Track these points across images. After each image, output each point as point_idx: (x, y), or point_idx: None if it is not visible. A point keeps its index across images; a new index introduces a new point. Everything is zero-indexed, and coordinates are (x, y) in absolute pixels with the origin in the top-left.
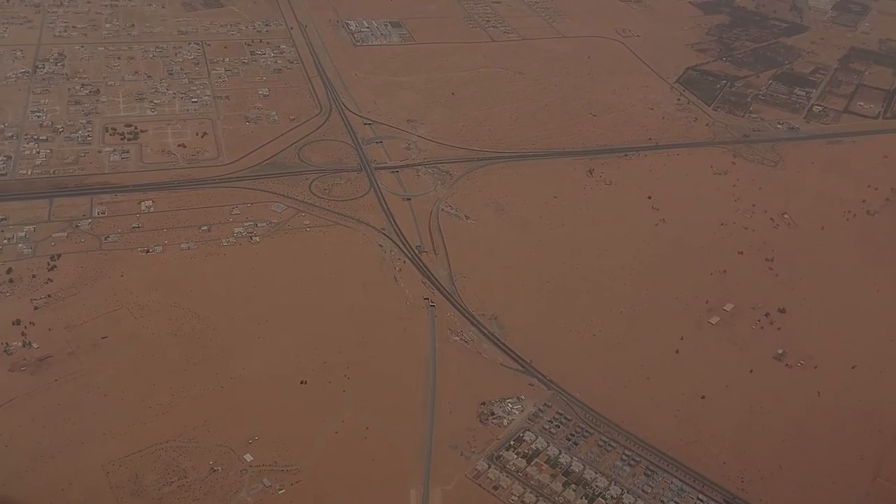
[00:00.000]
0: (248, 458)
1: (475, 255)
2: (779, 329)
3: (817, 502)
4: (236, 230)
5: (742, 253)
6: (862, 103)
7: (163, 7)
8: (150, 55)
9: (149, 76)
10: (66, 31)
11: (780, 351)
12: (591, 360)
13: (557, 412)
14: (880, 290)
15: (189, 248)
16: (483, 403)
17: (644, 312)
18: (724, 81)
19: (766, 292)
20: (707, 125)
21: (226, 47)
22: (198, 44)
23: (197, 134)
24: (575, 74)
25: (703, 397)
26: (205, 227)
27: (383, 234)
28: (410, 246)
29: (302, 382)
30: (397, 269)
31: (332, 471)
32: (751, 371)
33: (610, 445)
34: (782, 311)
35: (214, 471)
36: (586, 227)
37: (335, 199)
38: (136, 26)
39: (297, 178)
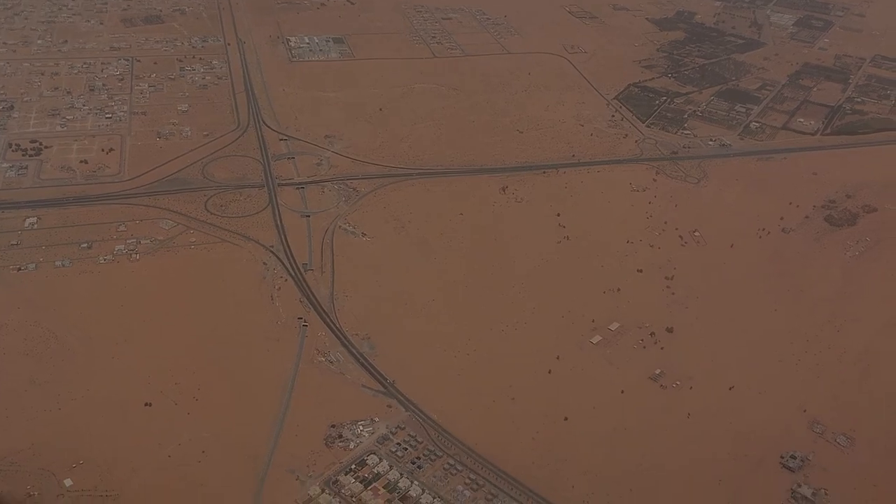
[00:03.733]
0: (68, 482)
1: (363, 274)
2: (662, 349)
3: None
4: (117, 248)
5: (641, 271)
6: (802, 120)
7: (101, 23)
8: (76, 71)
9: (68, 92)
10: None
11: (658, 371)
12: (459, 380)
13: (409, 434)
14: (778, 310)
15: (63, 265)
16: (333, 426)
17: (525, 331)
18: (665, 98)
19: (657, 311)
20: (636, 142)
21: (156, 63)
22: (128, 59)
23: (102, 150)
24: (511, 91)
25: (566, 419)
26: (85, 245)
27: (271, 251)
28: (296, 264)
29: (146, 405)
30: (277, 287)
31: (154, 497)
32: (622, 392)
33: (456, 469)
34: (670, 330)
35: (31, 496)
36: (486, 244)
37: (229, 216)
38: (68, 42)
39: (195, 195)
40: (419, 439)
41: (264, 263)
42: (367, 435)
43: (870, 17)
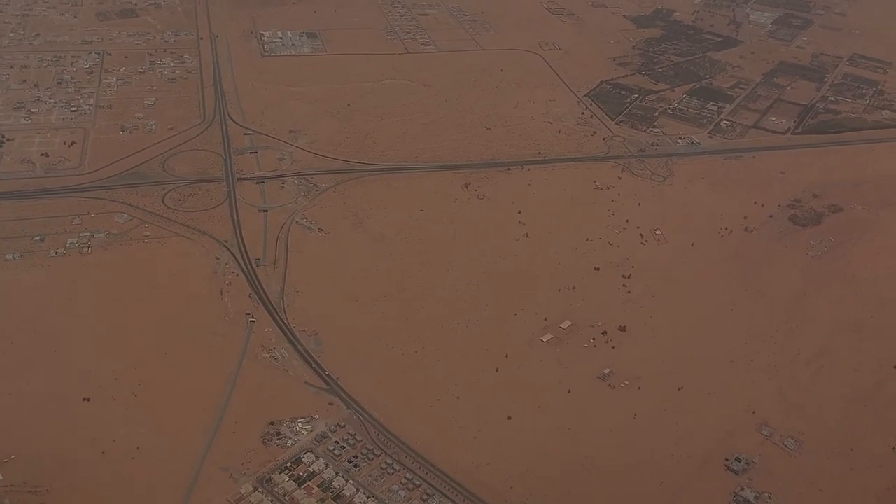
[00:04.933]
0: None
1: (316, 269)
2: (613, 348)
3: None
4: (69, 241)
5: (598, 269)
6: (773, 118)
7: (75, 17)
8: (45, 64)
9: (36, 85)
10: None
11: (607, 371)
12: (405, 378)
13: (349, 433)
14: (734, 310)
15: (14, 258)
16: (272, 423)
17: (476, 329)
18: (636, 95)
19: (611, 310)
20: (604, 139)
21: (126, 57)
22: (98, 53)
23: (65, 143)
24: (481, 87)
25: (509, 418)
26: (38, 238)
27: (225, 246)
28: (249, 259)
29: (84, 399)
30: (227, 283)
31: (84, 493)
32: (569, 391)
33: (393, 468)
34: (622, 329)
35: None
36: (444, 241)
37: (186, 211)
38: (41, 35)
39: (153, 189)
40: (358, 438)
41: (217, 258)
42: (305, 433)
43: (850, 16)
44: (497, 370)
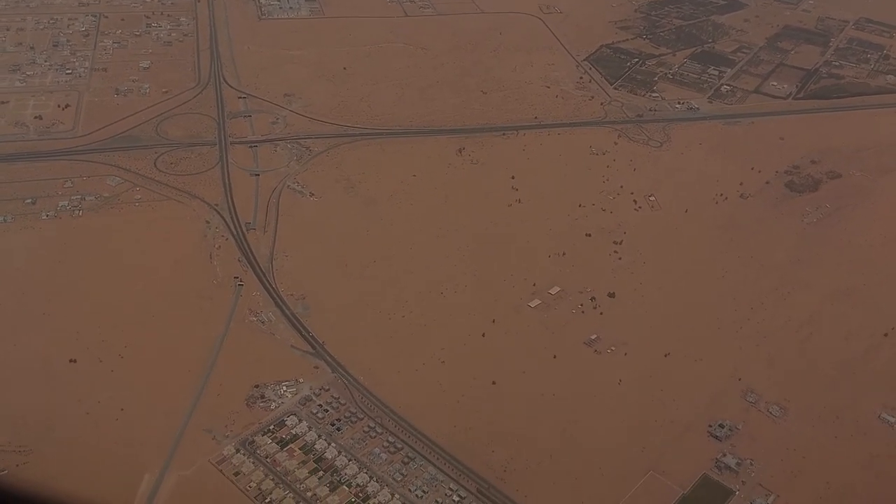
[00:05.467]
0: None
1: (305, 234)
2: (601, 314)
3: (581, 494)
4: (61, 204)
5: (590, 235)
6: (775, 83)
7: None
8: (42, 27)
9: (31, 48)
10: None
11: (594, 336)
12: (391, 342)
13: (332, 396)
14: (726, 277)
15: (4, 221)
16: (256, 386)
17: (465, 294)
18: (637, 60)
19: (601, 276)
20: (602, 104)
21: (123, 19)
22: (95, 16)
23: (59, 106)
24: (480, 51)
25: (493, 383)
26: (29, 201)
27: (215, 210)
28: (239, 223)
29: (71, 361)
30: (217, 246)
31: (67, 453)
32: (554, 357)
33: (375, 432)
34: (611, 295)
35: None
36: (436, 206)
37: (178, 174)
38: None
39: (145, 152)
40: (342, 401)
41: (207, 222)
42: (289, 396)
43: None
44: (483, 335)
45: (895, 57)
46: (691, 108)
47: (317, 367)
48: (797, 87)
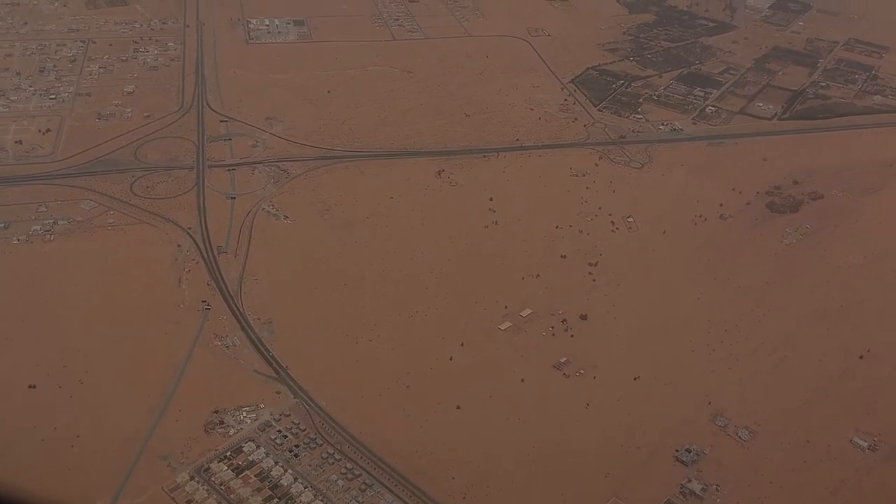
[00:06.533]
0: None
1: (277, 257)
2: (572, 336)
3: None
4: (33, 228)
5: (565, 257)
6: (761, 104)
7: (64, 6)
8: (29, 52)
9: (18, 73)
10: None
11: (563, 359)
12: (356, 367)
13: (293, 422)
14: (701, 298)
15: None
16: (216, 412)
17: (435, 317)
18: (622, 82)
19: (574, 298)
20: (585, 126)
21: (111, 45)
22: (83, 41)
23: (39, 131)
24: (465, 74)
25: (458, 408)
26: (2, 225)
27: (188, 233)
28: (211, 246)
29: (30, 387)
30: (186, 270)
31: (19, 481)
32: (522, 380)
33: (334, 458)
34: (584, 317)
35: None
36: (412, 228)
37: (153, 198)
38: (28, 24)
39: (122, 176)
40: (302, 427)
41: (178, 246)
42: (249, 421)
43: (850, 0)
44: (451, 359)
45: (883, 77)
46: (675, 130)
47: (279, 392)
48: (783, 107)
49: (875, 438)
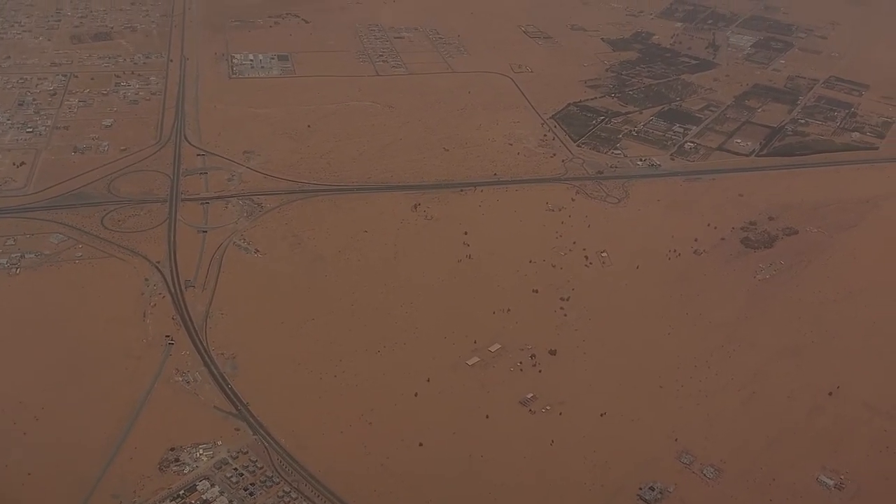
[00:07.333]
0: None
1: (245, 291)
2: (540, 372)
3: None
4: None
5: (537, 291)
6: (739, 140)
7: (49, 40)
8: (10, 86)
9: None
10: None
11: (530, 395)
12: (319, 403)
13: (250, 459)
14: (672, 334)
15: None
16: (172, 449)
17: (402, 352)
18: (602, 117)
19: (544, 333)
20: (563, 161)
21: (92, 79)
22: (65, 75)
23: (14, 164)
24: (446, 109)
25: (421, 445)
26: None
27: (156, 267)
28: (179, 280)
29: None
30: (152, 304)
31: None
32: (487, 417)
33: (290, 497)
34: (552, 352)
35: None
36: (384, 262)
37: (124, 231)
38: (11, 58)
39: (94, 210)
40: (259, 465)
41: (146, 279)
42: (205, 459)
43: (832, 40)
44: (416, 395)
45: (862, 115)
46: (653, 165)
47: (238, 429)
48: (761, 144)
49: (842, 477)
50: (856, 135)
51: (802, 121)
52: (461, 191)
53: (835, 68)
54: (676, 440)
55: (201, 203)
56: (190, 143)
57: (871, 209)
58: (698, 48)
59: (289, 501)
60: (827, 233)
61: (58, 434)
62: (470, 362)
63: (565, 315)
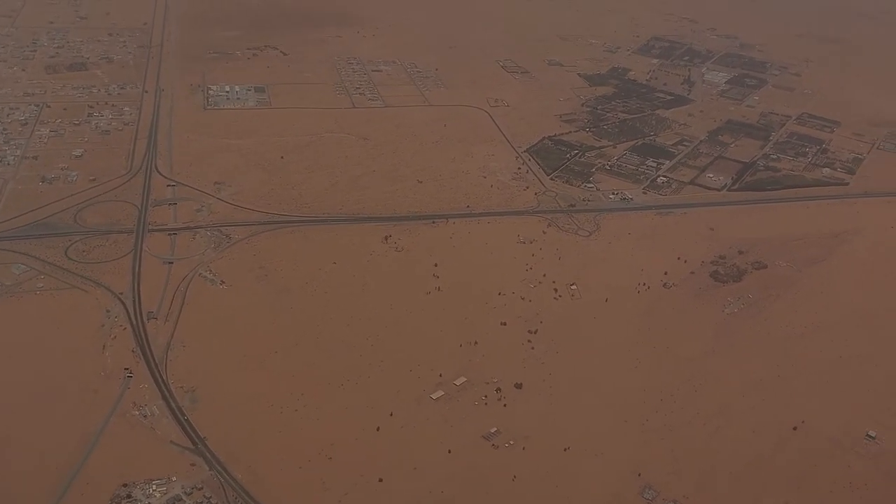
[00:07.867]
0: None
1: (209, 323)
2: (505, 406)
3: None
4: None
5: (505, 324)
6: (711, 175)
7: (23, 70)
8: None
9: None
10: None
11: (493, 430)
12: (279, 438)
13: (205, 496)
14: (638, 367)
15: None
16: (125, 485)
17: (366, 386)
18: (576, 152)
19: (511, 366)
20: (535, 194)
21: (65, 109)
22: (38, 105)
23: None
24: (421, 142)
25: (380, 480)
26: None
27: (119, 298)
28: (141, 312)
29: None
30: (112, 336)
31: None
32: (449, 451)
33: None
34: (518, 386)
35: None
36: (351, 294)
37: (88, 262)
38: None
39: (59, 240)
40: (214, 501)
41: (107, 311)
42: (158, 495)
43: (805, 77)
44: (378, 429)
45: (833, 151)
46: (625, 199)
47: (194, 465)
48: (733, 178)
49: None
50: (827, 170)
51: (774, 156)
52: (433, 223)
53: (807, 105)
54: (640, 475)
55: (169, 234)
56: (161, 174)
57: (839, 244)
58: (674, 84)
59: None
60: (796, 267)
61: (7, 470)
62: (434, 396)
63: (533, 348)
